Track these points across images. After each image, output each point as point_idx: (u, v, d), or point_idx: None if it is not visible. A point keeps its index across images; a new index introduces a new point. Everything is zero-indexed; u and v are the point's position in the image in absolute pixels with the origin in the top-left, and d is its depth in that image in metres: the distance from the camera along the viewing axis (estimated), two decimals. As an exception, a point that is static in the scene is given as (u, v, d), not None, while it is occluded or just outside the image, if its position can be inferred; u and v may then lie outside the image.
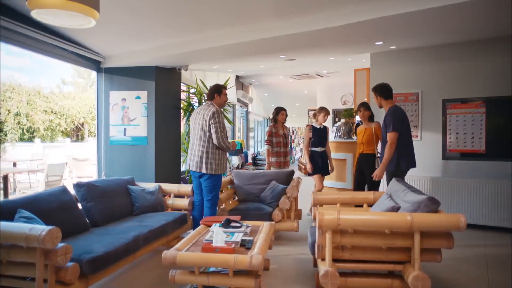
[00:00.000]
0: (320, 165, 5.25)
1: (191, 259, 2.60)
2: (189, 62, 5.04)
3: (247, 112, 11.95)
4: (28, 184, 8.63)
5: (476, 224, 4.79)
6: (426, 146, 5.20)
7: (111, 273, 2.85)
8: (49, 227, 2.25)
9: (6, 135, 10.88)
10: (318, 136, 5.28)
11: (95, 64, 4.86)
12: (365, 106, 4.95)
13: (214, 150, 3.90)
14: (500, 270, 3.39)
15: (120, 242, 2.86)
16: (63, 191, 3.28)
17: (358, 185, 4.91)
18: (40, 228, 2.25)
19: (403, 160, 3.90)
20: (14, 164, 8.40)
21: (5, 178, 5.82)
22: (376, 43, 4.40)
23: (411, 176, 5.18)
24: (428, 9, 2.84)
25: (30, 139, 11.81)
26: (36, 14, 2.46)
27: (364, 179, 4.82)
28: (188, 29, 3.88)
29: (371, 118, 4.92)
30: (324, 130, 5.38)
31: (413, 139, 5.21)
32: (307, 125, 5.44)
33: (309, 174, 5.31)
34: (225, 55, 4.60)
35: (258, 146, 15.42)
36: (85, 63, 4.70)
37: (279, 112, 5.53)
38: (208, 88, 5.98)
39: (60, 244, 2.30)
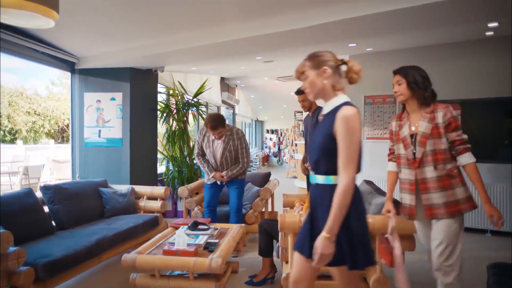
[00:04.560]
0: None
1: (151, 262, 2.57)
2: (163, 63, 5.00)
3: (234, 114, 11.93)
4: (9, 186, 8.53)
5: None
6: (403, 148, 5.21)
7: (71, 277, 2.79)
8: (0, 231, 2.20)
9: (-14, 136, 10.76)
10: None
11: (69, 65, 4.79)
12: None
13: None
14: (473, 272, 3.38)
15: (81, 246, 2.81)
16: (28, 194, 3.22)
17: None
18: (-10, 232, 2.20)
19: None
20: (-6, 166, 8.28)
21: (-20, 180, 5.74)
22: (350, 45, 4.41)
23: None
24: (388, 11, 2.87)
25: (12, 141, 11.67)
26: (-8, 14, 2.42)
27: None
28: (158, 31, 3.85)
29: None
30: None
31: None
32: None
33: None
34: (196, 56, 4.58)
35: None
36: (59, 64, 4.64)
37: None
38: (186, 89, 6.00)
39: (12, 248, 2.25)
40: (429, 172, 2.18)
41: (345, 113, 1.60)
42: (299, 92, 3.61)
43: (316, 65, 1.73)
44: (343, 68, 1.76)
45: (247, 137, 16.60)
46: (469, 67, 4.82)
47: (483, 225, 4.64)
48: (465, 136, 2.19)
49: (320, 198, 1.71)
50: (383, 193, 2.98)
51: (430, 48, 4.98)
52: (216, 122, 3.65)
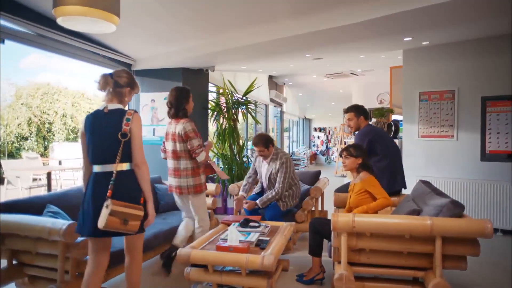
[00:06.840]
0: None
1: (205, 257, 2.63)
2: (214, 63, 5.11)
3: (282, 112, 11.91)
4: (73, 181, 9.19)
5: (518, 230, 4.47)
6: (462, 146, 4.91)
7: (131, 268, 2.94)
8: (69, 222, 2.37)
9: (53, 135, 11.63)
10: None
11: (126, 67, 5.05)
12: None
13: None
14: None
15: (140, 238, 2.95)
16: (91, 188, 3.44)
17: None
18: (61, 223, 2.38)
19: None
20: (60, 163, 8.95)
21: (49, 175, 6.22)
22: (404, 39, 4.21)
23: (446, 178, 4.93)
24: (448, 2, 2.69)
25: (75, 139, 12.55)
26: (62, 21, 2.60)
27: None
28: (210, 31, 3.94)
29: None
30: None
31: (448, 139, 4.98)
32: None
33: None
34: (247, 55, 4.62)
35: (293, 146, 15.33)
36: (117, 66, 4.89)
37: None
38: (235, 88, 6.08)
39: (80, 238, 2.42)
40: None
41: None
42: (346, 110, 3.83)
43: None
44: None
45: (294, 135, 16.26)
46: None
47: None
48: None
49: None
50: (441, 193, 2.83)
51: (492, 39, 4.61)
52: (256, 139, 3.84)
